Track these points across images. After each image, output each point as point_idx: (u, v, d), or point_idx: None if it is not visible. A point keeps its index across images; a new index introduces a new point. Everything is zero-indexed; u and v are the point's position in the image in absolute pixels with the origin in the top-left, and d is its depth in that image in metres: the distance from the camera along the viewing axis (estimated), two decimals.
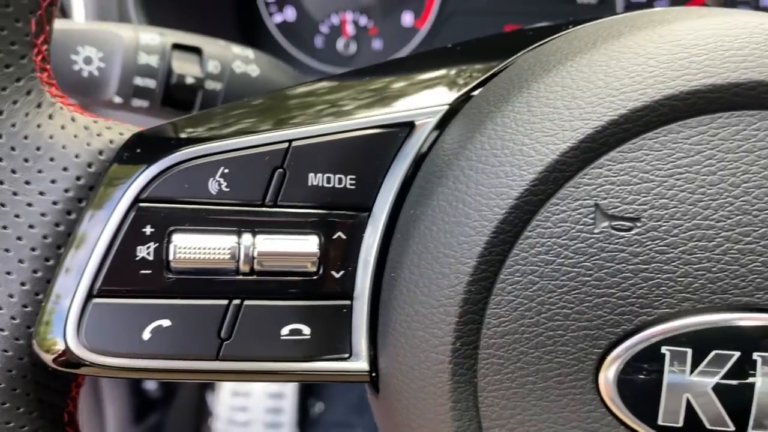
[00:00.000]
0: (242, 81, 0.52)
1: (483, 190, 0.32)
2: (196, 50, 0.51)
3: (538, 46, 0.37)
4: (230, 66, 0.52)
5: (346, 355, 0.36)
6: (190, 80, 0.50)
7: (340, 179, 0.35)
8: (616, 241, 0.31)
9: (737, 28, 0.32)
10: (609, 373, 0.31)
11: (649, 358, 0.31)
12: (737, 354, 0.31)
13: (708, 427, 0.31)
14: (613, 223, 0.31)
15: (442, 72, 0.39)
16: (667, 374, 0.31)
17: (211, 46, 0.52)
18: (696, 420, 0.31)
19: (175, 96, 0.50)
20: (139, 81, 0.49)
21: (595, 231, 0.31)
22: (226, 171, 0.34)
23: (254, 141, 0.35)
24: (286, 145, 0.35)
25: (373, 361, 0.36)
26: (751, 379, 0.31)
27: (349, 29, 0.88)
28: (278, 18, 0.88)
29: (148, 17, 0.69)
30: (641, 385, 0.31)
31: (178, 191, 0.34)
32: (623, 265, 0.31)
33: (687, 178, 0.31)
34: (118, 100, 0.50)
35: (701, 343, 0.31)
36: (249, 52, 0.54)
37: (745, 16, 0.34)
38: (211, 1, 0.81)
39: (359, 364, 0.36)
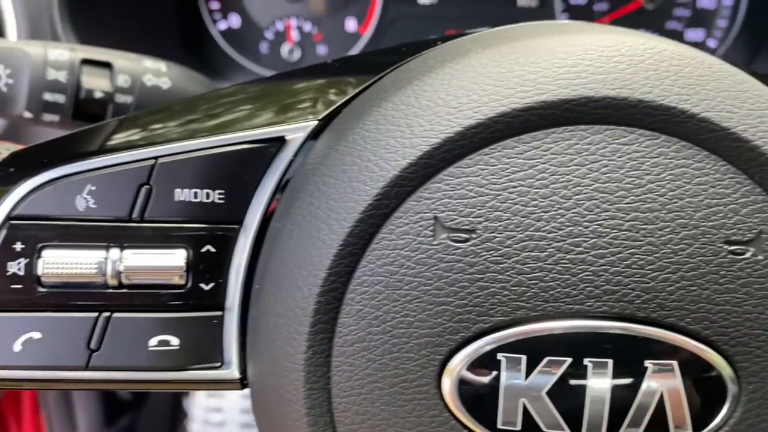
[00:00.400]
0: (153, 93, 0.53)
1: (333, 204, 0.34)
2: (106, 65, 0.53)
3: (404, 63, 0.38)
4: (141, 79, 0.53)
5: (218, 364, 0.37)
6: (99, 94, 0.51)
7: (207, 194, 0.36)
8: (454, 252, 0.32)
9: (573, 46, 0.34)
10: (450, 379, 0.33)
11: (487, 365, 0.32)
12: (569, 360, 0.32)
13: (544, 430, 0.32)
14: (451, 235, 0.33)
15: (318, 87, 0.41)
16: (503, 380, 0.32)
17: (122, 60, 0.53)
18: (533, 423, 0.32)
19: (85, 110, 0.51)
20: (48, 96, 0.51)
21: (435, 243, 0.33)
22: (93, 188, 0.36)
23: (121, 158, 0.36)
24: (152, 161, 0.36)
25: (245, 369, 0.37)
26: (582, 384, 0.32)
27: (294, 35, 0.89)
28: (223, 25, 0.89)
29: (78, 34, 0.70)
30: (480, 390, 0.33)
31: (48, 209, 0.36)
32: (460, 275, 0.32)
33: (520, 192, 0.32)
34: (28, 114, 0.51)
35: (535, 349, 0.32)
36: (161, 65, 0.55)
37: (586, 34, 0.35)
38: (153, 11, 0.82)
39: (230, 372, 0.37)
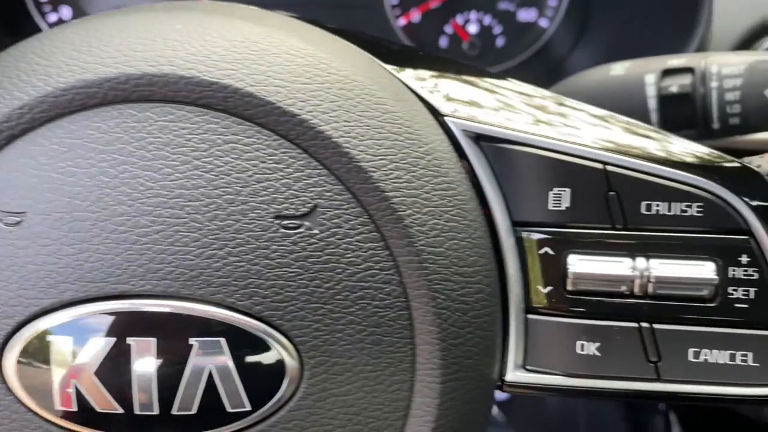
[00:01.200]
0: None
1: None
2: None
3: None
4: None
5: None
6: None
7: None
8: (7, 235, 0.32)
9: (124, 25, 0.34)
10: (10, 363, 0.33)
11: (39, 348, 0.32)
12: (113, 340, 0.32)
13: (99, 410, 0.32)
14: (4, 218, 0.32)
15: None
16: (54, 362, 0.32)
17: None
18: (87, 404, 0.32)
19: None
20: None
21: None
22: None
23: None
24: None
25: None
26: (127, 364, 0.32)
27: None
28: (53, 17, 0.89)
29: None
30: (37, 373, 0.32)
31: None
32: (13, 258, 0.32)
33: (68, 172, 0.32)
34: None
35: (81, 330, 0.32)
36: None
37: (147, 13, 0.35)
38: None
39: None
